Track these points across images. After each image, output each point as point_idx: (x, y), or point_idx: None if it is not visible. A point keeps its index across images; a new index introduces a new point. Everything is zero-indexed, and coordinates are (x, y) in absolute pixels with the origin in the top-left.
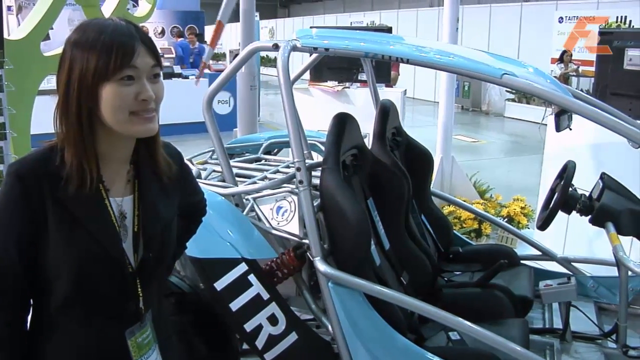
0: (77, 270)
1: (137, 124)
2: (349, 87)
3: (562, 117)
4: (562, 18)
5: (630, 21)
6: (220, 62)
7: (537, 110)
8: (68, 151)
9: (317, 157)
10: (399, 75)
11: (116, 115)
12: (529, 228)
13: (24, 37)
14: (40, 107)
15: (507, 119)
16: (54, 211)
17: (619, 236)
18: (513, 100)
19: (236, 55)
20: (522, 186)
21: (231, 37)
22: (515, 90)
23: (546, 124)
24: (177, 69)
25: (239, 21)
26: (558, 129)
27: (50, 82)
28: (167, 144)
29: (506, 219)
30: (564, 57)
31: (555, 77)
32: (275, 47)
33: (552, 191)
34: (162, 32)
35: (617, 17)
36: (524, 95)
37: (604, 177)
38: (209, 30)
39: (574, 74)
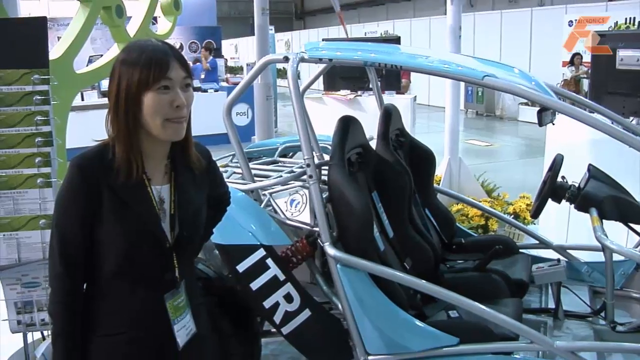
0: (126, 244)
1: (169, 129)
2: (360, 95)
3: (545, 113)
4: (571, 21)
5: (639, 22)
6: (238, 75)
7: None
8: (118, 148)
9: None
10: (410, 82)
11: (154, 119)
12: (535, 224)
13: (60, 57)
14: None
15: (521, 123)
16: (107, 196)
17: (605, 221)
18: (526, 104)
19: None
20: (532, 186)
21: (248, 50)
22: (496, 90)
23: None
24: (196, 83)
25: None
26: (540, 124)
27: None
28: (197, 143)
29: (512, 216)
30: (575, 60)
31: (566, 79)
32: (285, 59)
33: (544, 183)
34: (181, 48)
35: (626, 19)
36: None
37: (590, 168)
38: (225, 45)
39: (585, 76)
